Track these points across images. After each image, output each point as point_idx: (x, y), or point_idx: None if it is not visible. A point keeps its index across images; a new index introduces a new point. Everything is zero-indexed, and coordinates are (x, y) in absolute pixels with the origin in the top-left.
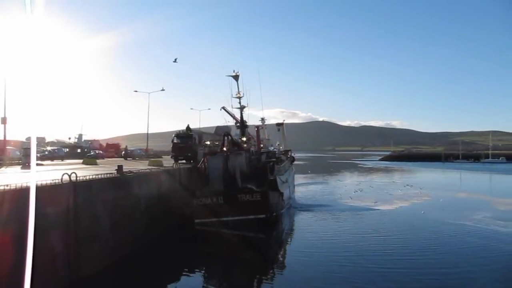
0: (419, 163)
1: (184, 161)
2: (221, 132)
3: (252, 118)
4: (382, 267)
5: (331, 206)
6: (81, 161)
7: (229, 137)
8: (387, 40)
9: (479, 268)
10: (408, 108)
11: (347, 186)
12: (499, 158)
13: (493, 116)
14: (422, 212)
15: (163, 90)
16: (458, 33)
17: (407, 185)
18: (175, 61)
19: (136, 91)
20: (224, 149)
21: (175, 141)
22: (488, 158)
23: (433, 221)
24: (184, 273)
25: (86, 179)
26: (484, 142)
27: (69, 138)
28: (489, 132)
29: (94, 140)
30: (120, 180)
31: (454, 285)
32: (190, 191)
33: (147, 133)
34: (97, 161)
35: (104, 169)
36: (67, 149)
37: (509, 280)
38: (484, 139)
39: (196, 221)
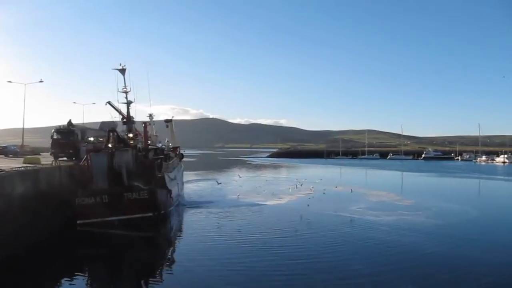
0: (304, 159)
1: (65, 158)
2: (106, 128)
3: (141, 114)
4: (269, 262)
5: (219, 202)
6: None
7: (115, 133)
8: (275, 39)
9: (355, 255)
10: (294, 107)
11: (236, 182)
12: (374, 155)
13: (369, 116)
14: (307, 205)
15: (41, 81)
16: (334, 35)
17: (293, 180)
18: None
19: (10, 81)
20: (109, 145)
21: (55, 137)
22: (364, 154)
23: (316, 214)
24: (65, 278)
25: None
26: (361, 140)
27: None
28: (365, 131)
29: None
30: None
31: (337, 273)
32: (72, 190)
33: (23, 128)
34: None
35: None
36: None
37: (380, 265)
38: (361, 137)
39: (79, 222)
